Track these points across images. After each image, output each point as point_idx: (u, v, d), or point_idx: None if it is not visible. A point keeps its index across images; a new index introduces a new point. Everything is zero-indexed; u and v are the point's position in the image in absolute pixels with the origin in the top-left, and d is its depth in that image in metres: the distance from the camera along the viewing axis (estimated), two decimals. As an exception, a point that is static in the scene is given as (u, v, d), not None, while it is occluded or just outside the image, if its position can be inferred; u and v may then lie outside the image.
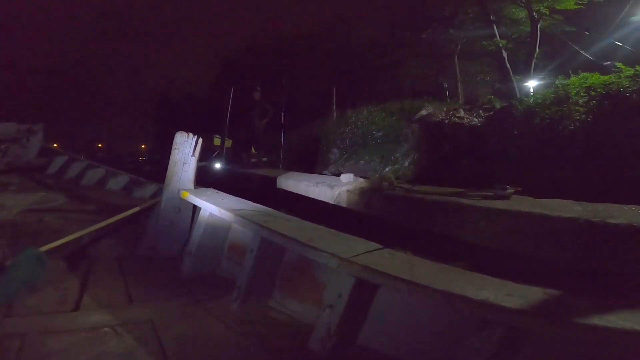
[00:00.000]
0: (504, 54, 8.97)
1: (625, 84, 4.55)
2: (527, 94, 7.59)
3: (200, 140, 3.59)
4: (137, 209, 3.71)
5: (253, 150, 9.35)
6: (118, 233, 3.62)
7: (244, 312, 2.39)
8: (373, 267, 1.83)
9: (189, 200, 3.30)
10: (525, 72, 8.72)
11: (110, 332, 2.04)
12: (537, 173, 4.55)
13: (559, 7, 8.11)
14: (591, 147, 4.37)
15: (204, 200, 3.08)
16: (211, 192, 3.46)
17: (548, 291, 1.58)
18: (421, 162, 6.27)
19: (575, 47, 9.32)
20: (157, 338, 2.02)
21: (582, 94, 4.86)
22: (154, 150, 27.34)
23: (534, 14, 8.04)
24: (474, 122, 6.57)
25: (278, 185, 5.92)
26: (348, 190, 4.68)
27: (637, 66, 4.76)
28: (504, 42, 9.13)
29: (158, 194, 4.20)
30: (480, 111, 7.13)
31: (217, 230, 3.06)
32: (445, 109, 7.94)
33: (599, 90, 4.74)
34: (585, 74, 5.31)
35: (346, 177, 5.26)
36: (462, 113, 7.25)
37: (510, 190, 3.88)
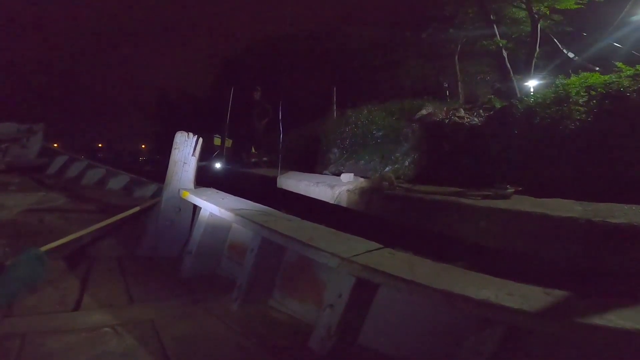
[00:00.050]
0: (504, 53, 8.97)
1: (626, 83, 4.55)
2: (527, 94, 7.58)
3: (201, 140, 3.59)
4: (137, 208, 3.71)
5: (253, 150, 9.36)
6: (118, 233, 3.61)
7: (244, 312, 2.39)
8: (373, 267, 1.83)
9: (189, 200, 3.30)
10: (526, 71, 8.71)
11: (111, 332, 2.04)
12: (538, 173, 4.55)
13: (559, 7, 8.10)
14: (591, 146, 4.36)
15: (204, 200, 3.07)
16: (211, 191, 3.46)
17: (549, 291, 1.58)
18: (421, 162, 6.27)
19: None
20: (157, 338, 2.02)
21: (582, 93, 4.86)
22: (154, 150, 27.38)
23: (534, 13, 8.04)
24: (474, 122, 6.57)
25: (278, 185, 5.93)
26: (348, 190, 4.68)
27: (637, 66, 4.76)
28: (504, 41, 9.13)
29: (158, 193, 4.19)
30: (481, 111, 7.12)
31: (217, 230, 3.06)
32: (445, 108, 7.94)
33: (599, 89, 4.74)
34: (585, 73, 5.32)
35: (346, 177, 5.27)
36: (462, 113, 7.25)
37: (510, 190, 3.88)
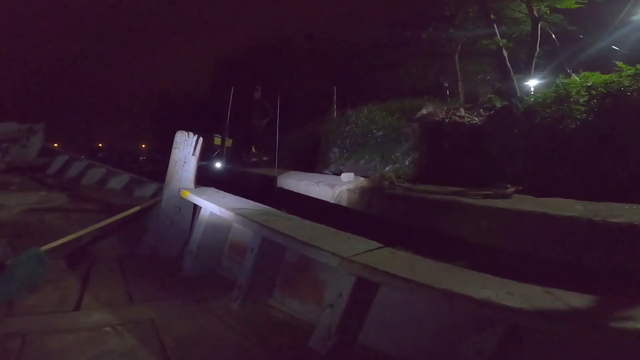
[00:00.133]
0: (505, 53, 8.95)
1: (626, 83, 4.55)
2: (527, 93, 7.58)
3: (201, 139, 3.58)
4: (137, 208, 3.71)
5: (253, 150, 9.36)
6: (119, 232, 3.61)
7: (244, 312, 2.39)
8: (374, 266, 1.83)
9: (189, 199, 3.30)
10: (526, 71, 8.71)
11: (111, 332, 2.04)
12: (538, 172, 4.55)
13: (559, 7, 8.09)
14: (592, 146, 4.36)
15: (205, 199, 3.07)
16: (212, 191, 3.46)
17: (549, 290, 1.58)
18: (422, 161, 6.27)
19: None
20: (157, 337, 2.02)
21: (582, 93, 4.86)
22: (155, 149, 27.37)
23: (535, 13, 8.03)
24: (474, 121, 6.57)
25: (279, 185, 5.93)
26: (348, 190, 4.69)
27: (637, 65, 4.76)
28: (504, 41, 9.12)
29: (158, 193, 4.20)
30: (481, 110, 7.13)
31: (217, 229, 3.06)
32: (445, 108, 7.95)
33: (599, 89, 4.74)
34: (586, 73, 5.31)
35: (347, 176, 5.27)
36: (462, 112, 7.25)
37: (511, 189, 3.88)
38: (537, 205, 3.22)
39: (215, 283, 2.86)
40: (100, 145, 37.07)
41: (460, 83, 13.98)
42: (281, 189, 5.97)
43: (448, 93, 14.05)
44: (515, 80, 8.48)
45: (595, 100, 4.68)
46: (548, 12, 8.20)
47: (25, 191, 4.73)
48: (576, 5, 7.96)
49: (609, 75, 4.96)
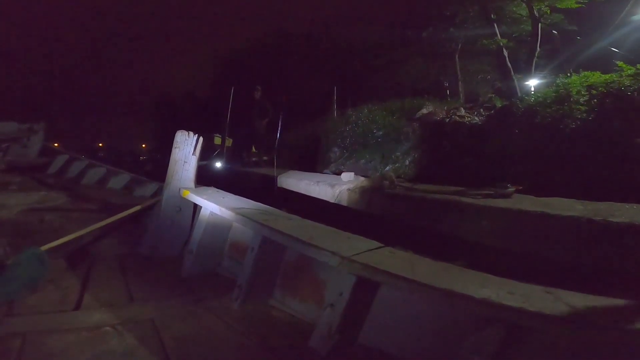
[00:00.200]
0: (505, 52, 8.94)
1: (627, 82, 4.55)
2: (528, 93, 7.57)
3: (201, 139, 3.58)
4: (137, 208, 3.71)
5: (254, 149, 9.36)
6: (119, 232, 3.62)
7: (244, 311, 2.39)
8: (374, 266, 1.83)
9: (189, 199, 3.30)
10: (526, 71, 8.70)
11: (111, 331, 2.04)
12: (538, 172, 4.55)
13: (560, 6, 8.08)
14: (592, 145, 4.36)
15: (205, 199, 3.07)
16: (212, 190, 3.46)
17: (550, 289, 1.58)
18: (422, 161, 6.27)
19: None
20: (158, 337, 2.02)
21: (583, 92, 4.86)
22: (155, 149, 27.36)
23: (535, 12, 8.02)
24: (474, 121, 6.57)
25: (279, 184, 5.93)
26: (349, 189, 4.69)
27: (638, 65, 4.75)
28: (504, 40, 9.10)
29: (159, 193, 4.20)
30: (481, 110, 7.13)
31: (217, 229, 3.06)
32: (446, 107, 7.95)
33: (600, 89, 4.74)
34: (586, 72, 5.31)
35: (347, 176, 5.27)
36: (462, 112, 7.25)
37: (511, 189, 3.88)
38: (537, 205, 3.22)
39: (216, 283, 2.86)
40: (100, 144, 37.09)
41: (460, 83, 13.97)
42: (281, 188, 5.97)
43: (448, 93, 14.03)
44: (515, 80, 8.48)
45: (595, 100, 4.67)
46: (548, 11, 8.19)
47: (26, 191, 4.74)
48: (576, 5, 7.94)
49: (609, 75, 4.96)
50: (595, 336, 1.35)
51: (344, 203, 4.69)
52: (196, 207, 3.34)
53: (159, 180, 4.67)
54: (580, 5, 7.93)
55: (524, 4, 8.62)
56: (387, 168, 6.52)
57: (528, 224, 3.02)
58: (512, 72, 8.60)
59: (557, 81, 5.53)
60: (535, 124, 5.08)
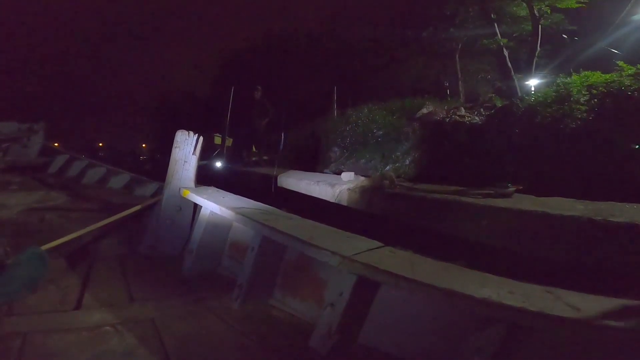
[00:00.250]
0: (505, 52, 8.94)
1: (627, 82, 4.54)
2: (528, 93, 7.56)
3: (201, 138, 3.58)
4: (138, 207, 3.71)
5: (254, 149, 9.36)
6: (119, 232, 3.62)
7: (245, 311, 2.39)
8: (374, 265, 1.83)
9: (189, 198, 3.30)
10: (527, 70, 8.69)
11: (112, 331, 2.04)
12: (539, 171, 4.55)
13: (560, 6, 8.07)
14: (593, 145, 4.36)
15: (205, 198, 3.07)
16: (212, 190, 3.46)
17: (550, 289, 1.58)
18: (422, 161, 6.27)
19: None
20: (158, 337, 2.02)
21: (583, 92, 4.85)
22: (155, 149, 27.35)
23: (536, 12, 8.02)
24: (475, 121, 6.57)
25: (279, 184, 5.93)
26: (349, 189, 4.68)
27: (638, 65, 4.75)
28: (505, 40, 9.10)
29: (159, 192, 4.20)
30: (482, 110, 7.12)
31: (218, 228, 3.06)
32: (446, 107, 7.95)
33: (600, 88, 4.74)
34: (586, 72, 5.30)
35: (347, 176, 5.27)
36: (463, 111, 7.25)
37: (511, 189, 3.88)
38: (537, 205, 3.22)
39: (216, 282, 2.86)
40: (100, 144, 37.10)
41: (460, 82, 13.96)
42: (281, 188, 5.96)
43: (448, 92, 14.01)
44: (515, 80, 8.48)
45: (596, 100, 4.67)
46: (549, 11, 8.18)
47: (26, 190, 4.74)
48: (577, 5, 7.94)
49: (609, 75, 4.96)
50: (595, 336, 1.35)
51: (344, 203, 4.69)
52: (196, 207, 3.34)
53: (159, 180, 4.67)
54: (580, 5, 7.93)
55: (524, 4, 8.61)
56: (387, 168, 6.52)
57: (528, 223, 3.01)
58: (513, 72, 8.60)
59: (558, 81, 5.53)
60: (536, 123, 5.08)
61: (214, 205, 2.92)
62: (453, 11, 12.08)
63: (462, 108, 7.55)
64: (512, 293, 1.53)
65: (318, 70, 17.48)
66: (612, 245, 2.57)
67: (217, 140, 10.34)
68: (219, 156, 9.28)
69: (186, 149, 3.49)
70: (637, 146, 3.95)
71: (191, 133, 3.52)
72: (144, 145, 38.04)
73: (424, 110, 7.66)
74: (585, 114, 4.65)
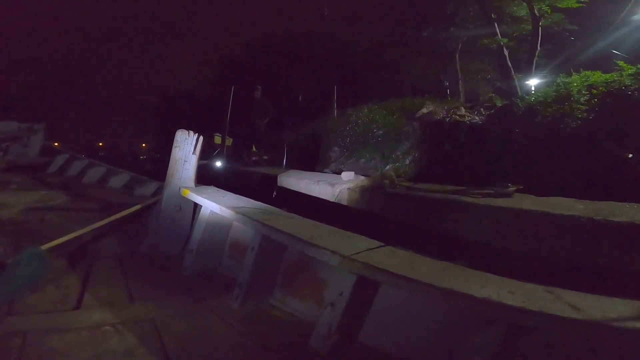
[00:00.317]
0: (505, 52, 8.94)
1: (627, 82, 4.54)
2: (528, 92, 7.56)
3: (201, 138, 3.59)
4: (138, 207, 3.71)
5: (254, 149, 9.36)
6: (119, 231, 3.62)
7: (245, 311, 2.39)
8: (374, 265, 1.83)
9: (189, 198, 3.30)
10: (527, 70, 8.69)
11: (112, 331, 2.04)
12: (539, 171, 4.55)
13: (560, 6, 8.07)
14: (593, 145, 4.35)
15: (205, 198, 3.07)
16: (212, 190, 3.46)
17: (550, 289, 1.58)
18: (422, 160, 6.26)
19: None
20: (158, 336, 2.02)
21: (583, 92, 4.85)
22: (155, 148, 27.40)
23: (536, 12, 8.01)
24: (475, 121, 6.56)
25: (279, 183, 5.92)
26: (349, 188, 4.68)
27: (639, 65, 4.74)
28: (505, 40, 9.10)
29: (159, 192, 4.20)
30: (482, 109, 7.11)
31: (218, 228, 3.06)
32: (446, 107, 7.94)
33: (600, 88, 4.73)
34: (587, 72, 5.30)
35: (347, 175, 5.26)
36: (463, 111, 7.24)
37: (511, 188, 3.87)
38: (538, 204, 3.21)
39: (216, 282, 2.86)
40: (100, 144, 37.13)
41: (460, 82, 13.97)
42: (281, 187, 5.96)
43: (448, 92, 14.03)
44: (516, 80, 8.48)
45: (596, 100, 4.66)
46: (549, 11, 8.18)
47: (26, 190, 4.74)
48: (577, 5, 7.93)
49: (609, 75, 4.95)
50: (595, 336, 1.35)
51: (344, 202, 4.68)
52: (196, 206, 3.34)
53: (159, 180, 4.67)
54: (580, 5, 7.92)
55: (524, 4, 8.61)
56: (388, 167, 6.52)
57: (529, 223, 3.01)
58: (513, 72, 8.60)
59: (558, 80, 5.52)
60: (536, 123, 5.07)
61: (214, 205, 2.92)
62: (453, 11, 12.09)
63: (462, 108, 7.54)
64: (512, 293, 1.53)
65: (318, 69, 17.48)
66: (613, 245, 2.57)
67: (217, 139, 10.35)
68: (219, 156, 9.28)
69: (186, 148, 3.49)
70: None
71: (191, 132, 3.53)
72: (144, 144, 38.11)
73: (424, 110, 7.65)
74: (585, 114, 4.64)
